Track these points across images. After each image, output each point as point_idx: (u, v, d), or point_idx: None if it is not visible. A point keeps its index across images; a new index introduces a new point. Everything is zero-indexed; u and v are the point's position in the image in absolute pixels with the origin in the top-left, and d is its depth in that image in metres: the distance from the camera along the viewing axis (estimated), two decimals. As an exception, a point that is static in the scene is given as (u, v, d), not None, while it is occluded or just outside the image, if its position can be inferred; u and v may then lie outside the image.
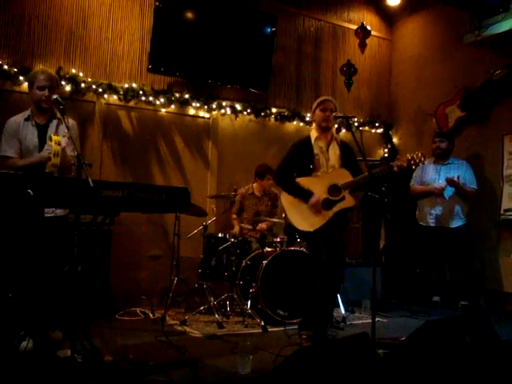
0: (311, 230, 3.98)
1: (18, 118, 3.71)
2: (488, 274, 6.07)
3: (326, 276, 3.90)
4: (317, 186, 4.01)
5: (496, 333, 3.13)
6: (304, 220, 4.01)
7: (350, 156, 4.19)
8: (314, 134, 4.17)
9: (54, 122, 3.75)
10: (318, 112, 4.11)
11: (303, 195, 4.01)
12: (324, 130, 4.12)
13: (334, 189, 4.00)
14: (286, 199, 4.13)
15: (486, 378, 2.81)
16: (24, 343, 3.32)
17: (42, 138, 3.67)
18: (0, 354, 3.17)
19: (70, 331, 2.85)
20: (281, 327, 4.54)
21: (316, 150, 4.09)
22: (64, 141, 3.47)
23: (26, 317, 3.50)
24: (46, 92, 3.62)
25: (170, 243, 5.39)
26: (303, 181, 4.06)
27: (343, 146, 4.21)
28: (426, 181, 5.93)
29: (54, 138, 3.40)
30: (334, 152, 4.13)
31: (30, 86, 3.71)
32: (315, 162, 4.07)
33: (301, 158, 4.11)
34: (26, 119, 3.68)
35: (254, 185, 5.80)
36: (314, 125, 4.31)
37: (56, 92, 3.66)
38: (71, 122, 3.76)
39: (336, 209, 3.99)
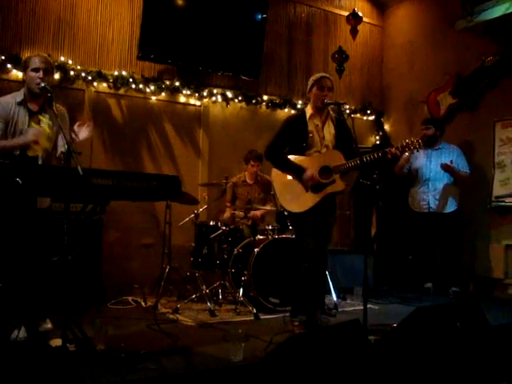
0: (300, 211, 3.94)
1: (9, 99, 3.58)
2: (478, 261, 6.10)
3: (311, 259, 3.87)
4: (308, 166, 3.94)
5: (486, 319, 3.15)
6: (293, 201, 3.98)
7: (345, 134, 4.08)
8: (309, 110, 4.10)
9: (49, 111, 3.63)
10: (314, 90, 4.02)
11: (295, 171, 3.96)
12: (320, 109, 4.05)
13: (324, 170, 3.93)
14: (276, 179, 4.09)
15: (476, 364, 2.83)
16: (16, 333, 3.29)
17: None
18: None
19: (62, 320, 2.85)
20: (273, 315, 4.55)
21: (310, 127, 4.02)
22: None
23: (17, 306, 3.48)
24: (41, 73, 3.51)
25: (162, 232, 5.37)
26: (295, 159, 4.00)
27: (338, 122, 4.13)
28: (416, 166, 5.92)
29: (44, 119, 3.40)
30: (329, 131, 4.08)
31: (25, 70, 3.60)
32: (309, 140, 4.00)
33: (294, 133, 4.04)
34: (19, 103, 3.56)
35: (246, 172, 5.79)
36: (310, 103, 4.19)
37: (51, 78, 3.62)
38: (62, 109, 3.72)
39: (325, 192, 3.94)
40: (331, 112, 4.15)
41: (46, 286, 3.52)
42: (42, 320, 3.73)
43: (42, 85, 3.38)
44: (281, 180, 4.06)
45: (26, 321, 3.44)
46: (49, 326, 3.74)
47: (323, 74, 4.12)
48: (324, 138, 4.04)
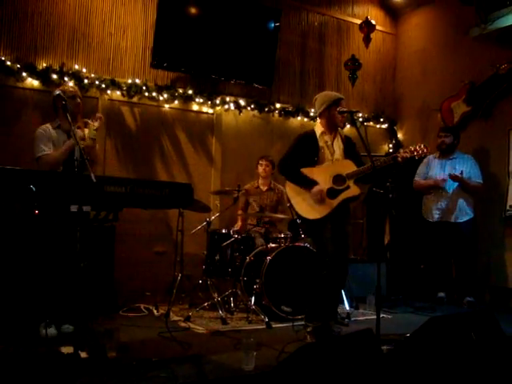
0: (317, 217, 3.98)
1: (47, 126, 4.03)
2: (493, 271, 6.03)
3: (331, 265, 3.90)
4: (321, 176, 4.02)
5: (501, 329, 3.10)
6: (309, 208, 4.02)
7: (352, 150, 4.19)
8: (319, 128, 4.17)
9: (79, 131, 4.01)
10: (334, 112, 4.07)
11: (307, 184, 4.02)
12: (334, 128, 4.13)
13: (338, 178, 4.00)
14: (290, 188, 4.15)
15: (491, 375, 2.79)
16: (50, 330, 3.54)
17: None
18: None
19: (74, 327, 2.86)
20: (285, 323, 4.53)
21: (321, 143, 4.10)
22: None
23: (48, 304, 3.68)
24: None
25: (174, 239, 5.37)
26: (307, 170, 4.05)
27: (347, 140, 4.22)
28: (431, 176, 5.89)
29: (92, 123, 3.91)
30: (339, 146, 4.15)
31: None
32: (320, 155, 4.08)
33: (305, 149, 4.10)
34: (57, 127, 4.01)
35: (259, 179, 5.82)
36: (319, 120, 4.25)
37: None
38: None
39: (341, 197, 3.99)
40: (340, 129, 4.24)
41: (61, 293, 3.56)
42: (63, 322, 3.81)
43: (57, 92, 3.42)
44: (295, 190, 4.12)
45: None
46: (71, 328, 3.79)
47: (340, 96, 4.17)
48: (334, 152, 4.12)
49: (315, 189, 3.97)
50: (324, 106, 4.11)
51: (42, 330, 3.68)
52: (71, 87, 4.25)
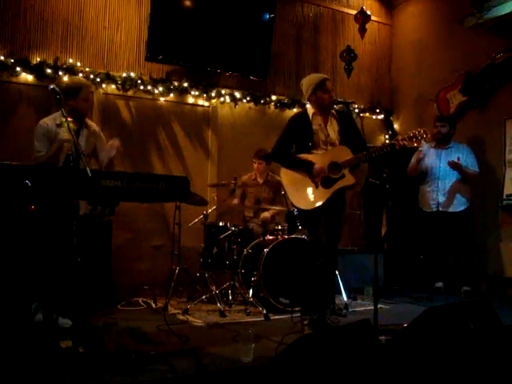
0: (311, 207, 3.91)
1: (49, 122, 3.97)
2: (490, 260, 6.05)
3: (324, 256, 3.85)
4: (316, 163, 3.92)
5: (499, 318, 3.11)
6: (304, 199, 3.94)
7: (350, 126, 4.05)
8: (311, 110, 4.07)
9: (85, 130, 4.08)
10: (320, 94, 3.97)
11: (304, 165, 3.92)
12: (325, 110, 4.03)
13: (333, 166, 3.91)
14: (285, 178, 4.05)
15: (489, 364, 2.80)
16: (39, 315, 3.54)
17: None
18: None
19: (73, 322, 2.86)
20: (283, 315, 4.54)
21: (315, 126, 4.00)
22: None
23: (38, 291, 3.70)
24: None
25: (171, 233, 5.37)
26: (302, 157, 3.98)
27: (341, 117, 4.09)
28: (426, 164, 5.89)
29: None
30: (333, 128, 4.04)
31: (75, 96, 3.93)
32: (314, 139, 3.98)
33: (299, 132, 4.02)
34: (58, 125, 3.92)
35: (257, 172, 5.82)
36: (308, 104, 4.15)
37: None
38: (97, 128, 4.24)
39: (336, 187, 3.91)
40: (332, 110, 4.10)
41: (65, 285, 3.55)
42: (62, 316, 3.80)
43: (52, 87, 3.40)
44: (290, 179, 4.03)
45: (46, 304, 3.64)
46: (69, 322, 3.78)
47: (324, 76, 4.07)
48: (329, 135, 4.01)
49: (316, 168, 3.86)
50: (310, 90, 4.03)
51: (34, 313, 3.72)
52: (88, 86, 4.16)
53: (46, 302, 3.72)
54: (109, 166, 4.11)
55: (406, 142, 3.84)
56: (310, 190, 3.94)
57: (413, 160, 5.95)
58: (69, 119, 3.39)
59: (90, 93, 4.14)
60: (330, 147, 4.00)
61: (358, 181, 4.11)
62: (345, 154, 3.93)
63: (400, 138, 3.87)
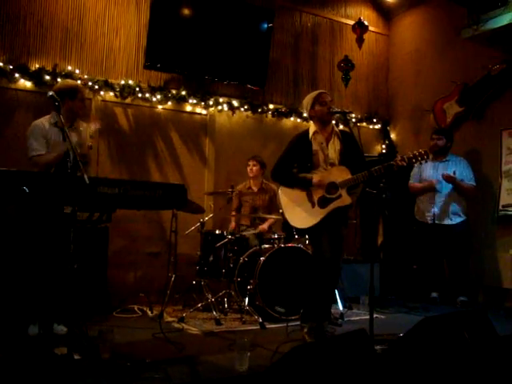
0: (305, 226, 3.98)
1: (43, 122, 3.96)
2: (487, 270, 6.06)
3: (327, 268, 3.89)
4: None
5: (494, 329, 3.12)
6: (298, 217, 4.00)
7: (352, 147, 4.07)
8: (312, 128, 4.11)
9: (75, 131, 4.05)
10: (317, 107, 4.03)
11: (303, 182, 3.98)
12: (326, 123, 4.07)
13: (331, 186, 3.96)
14: (283, 197, 4.09)
15: (484, 374, 2.80)
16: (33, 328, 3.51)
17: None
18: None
19: (68, 329, 2.85)
20: (279, 324, 4.53)
21: (315, 146, 4.03)
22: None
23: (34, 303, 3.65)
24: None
25: (168, 240, 5.37)
26: (301, 175, 4.03)
27: (344, 137, 4.13)
28: (424, 178, 5.90)
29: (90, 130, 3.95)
30: (334, 148, 4.07)
31: (72, 97, 3.94)
32: (314, 160, 4.03)
33: (299, 154, 4.07)
34: (54, 124, 3.88)
35: (250, 180, 5.82)
36: (311, 121, 4.21)
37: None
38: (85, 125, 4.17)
39: (332, 206, 3.95)
40: (335, 128, 4.16)
41: (61, 292, 3.54)
42: (57, 323, 3.79)
43: (50, 93, 3.41)
44: (288, 198, 4.07)
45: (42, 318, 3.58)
46: (64, 329, 3.77)
47: (321, 91, 4.15)
48: (328, 155, 4.04)
49: (315, 181, 3.92)
50: (308, 106, 4.10)
51: (30, 329, 3.68)
52: (83, 88, 4.25)
53: (42, 310, 3.70)
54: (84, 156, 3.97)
55: (404, 163, 3.85)
56: (305, 209, 3.99)
57: (421, 184, 5.92)
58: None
59: (85, 94, 4.18)
60: (329, 167, 4.04)
61: (354, 191, 4.13)
62: (343, 174, 3.97)
63: (399, 158, 3.86)
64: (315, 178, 3.93)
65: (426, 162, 4.05)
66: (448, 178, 5.66)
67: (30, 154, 3.87)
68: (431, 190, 5.82)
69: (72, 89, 3.99)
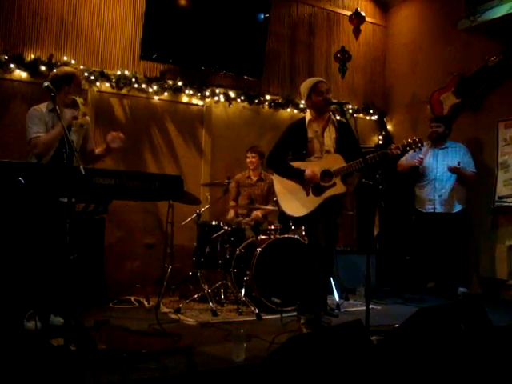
0: (300, 215, 3.96)
1: (41, 107, 3.91)
2: (482, 261, 6.08)
3: (322, 258, 3.89)
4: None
5: (489, 319, 3.14)
6: (294, 206, 3.98)
7: (348, 136, 4.06)
8: (308, 116, 4.09)
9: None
10: (314, 97, 4.00)
11: (295, 174, 3.96)
12: (322, 112, 4.05)
13: (325, 174, 3.94)
14: (277, 185, 4.09)
15: (479, 364, 2.82)
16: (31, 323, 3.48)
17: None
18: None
19: (64, 320, 2.86)
20: (275, 315, 4.54)
21: (310, 134, 4.02)
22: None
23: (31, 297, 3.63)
24: None
25: (164, 231, 5.37)
26: (296, 165, 4.01)
27: (340, 126, 4.11)
28: (424, 166, 5.87)
29: (79, 99, 3.78)
30: (330, 136, 4.05)
31: (69, 83, 3.90)
32: (309, 147, 4.01)
33: (294, 141, 4.05)
34: (51, 110, 3.83)
35: (249, 169, 5.82)
36: (308, 109, 4.20)
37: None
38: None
39: (327, 194, 3.94)
40: (332, 116, 4.14)
41: (57, 283, 3.54)
42: (54, 314, 3.79)
43: (46, 84, 3.39)
44: (282, 186, 4.07)
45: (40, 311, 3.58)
46: (61, 320, 3.77)
47: (317, 79, 4.09)
48: (324, 143, 4.02)
49: (307, 173, 3.89)
50: (305, 95, 4.07)
51: (26, 323, 3.67)
52: (79, 73, 4.16)
53: (39, 301, 3.70)
54: (95, 158, 4.16)
55: (398, 151, 3.87)
56: (300, 198, 3.97)
57: (408, 161, 5.90)
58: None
59: (81, 79, 4.12)
60: (324, 155, 4.03)
61: (351, 182, 4.13)
62: (338, 163, 3.96)
63: (394, 146, 3.87)
64: (308, 170, 3.91)
65: (420, 149, 4.08)
66: (454, 170, 5.65)
67: (29, 136, 3.81)
68: (428, 177, 5.80)
69: (68, 74, 3.95)
